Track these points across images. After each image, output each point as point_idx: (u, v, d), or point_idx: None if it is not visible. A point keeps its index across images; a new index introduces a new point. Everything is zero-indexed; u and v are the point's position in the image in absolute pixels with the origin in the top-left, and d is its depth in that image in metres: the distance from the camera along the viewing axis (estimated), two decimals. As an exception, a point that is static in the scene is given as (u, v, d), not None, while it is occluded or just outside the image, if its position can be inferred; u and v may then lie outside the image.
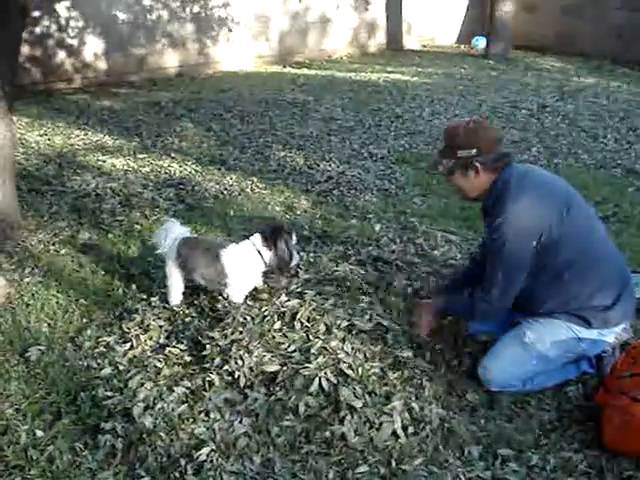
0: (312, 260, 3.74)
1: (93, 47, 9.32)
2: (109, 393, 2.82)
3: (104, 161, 5.95)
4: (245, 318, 3.05)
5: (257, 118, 7.57)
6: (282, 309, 3.06)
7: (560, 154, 6.35)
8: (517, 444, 2.61)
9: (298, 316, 3.00)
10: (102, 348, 3.15)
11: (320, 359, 2.78)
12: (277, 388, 2.75)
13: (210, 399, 2.72)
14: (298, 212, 4.94)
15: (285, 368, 2.79)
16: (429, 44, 13.47)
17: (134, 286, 3.72)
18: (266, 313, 3.06)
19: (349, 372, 2.74)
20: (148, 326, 3.23)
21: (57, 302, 3.62)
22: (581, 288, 2.78)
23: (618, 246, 3.08)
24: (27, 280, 3.84)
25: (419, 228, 4.55)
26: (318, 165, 5.91)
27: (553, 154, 6.34)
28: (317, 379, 2.70)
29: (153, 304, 3.44)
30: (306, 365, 2.77)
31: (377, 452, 2.50)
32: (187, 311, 3.38)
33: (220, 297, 3.32)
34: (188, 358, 2.99)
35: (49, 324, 3.42)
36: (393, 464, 2.46)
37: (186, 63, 10.28)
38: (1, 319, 3.44)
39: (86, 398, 2.81)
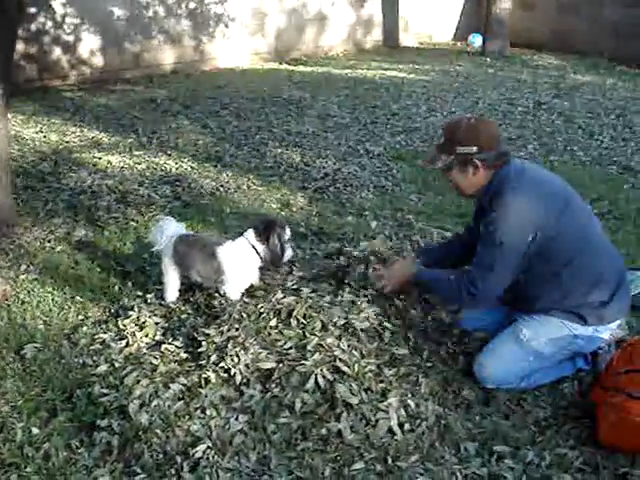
0: (308, 257, 3.74)
1: (89, 44, 9.30)
2: (105, 390, 2.81)
3: (100, 158, 5.94)
4: (241, 315, 3.05)
5: (253, 115, 7.56)
6: (278, 306, 3.05)
7: (556, 151, 6.36)
8: (513, 441, 2.62)
9: (294, 313, 3.00)
10: (98, 345, 3.15)
11: (316, 356, 2.78)
12: (273, 385, 2.74)
13: (206, 396, 2.72)
14: (294, 209, 4.94)
15: (281, 365, 2.79)
16: (426, 41, 13.47)
17: (130, 283, 3.72)
18: (262, 310, 3.05)
19: (345, 369, 2.74)
20: (144, 323, 3.23)
21: (53, 299, 3.62)
22: (577, 285, 2.79)
23: (614, 243, 3.08)
24: (23, 277, 3.83)
25: (415, 225, 4.55)
26: (314, 162, 5.91)
27: (549, 151, 6.35)
28: (313, 376, 2.70)
29: (149, 301, 3.44)
30: (302, 362, 2.76)
31: (373, 449, 2.50)
32: (183, 308, 3.38)
33: (216, 294, 3.32)
34: (184, 355, 2.99)
35: (45, 321, 3.42)
36: (389, 461, 2.46)
37: (182, 60, 10.26)
38: (-3, 316, 3.44)
39: (82, 395, 2.81)
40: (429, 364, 2.97)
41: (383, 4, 12.58)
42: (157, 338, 3.15)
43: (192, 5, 10.13)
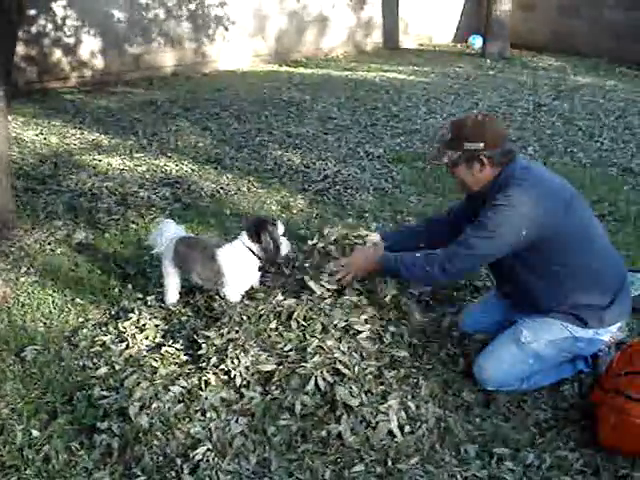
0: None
1: (89, 46, 9.30)
2: (105, 392, 2.81)
3: (100, 160, 5.94)
4: (241, 317, 3.05)
5: (253, 117, 7.57)
6: (278, 308, 3.05)
7: (556, 153, 6.35)
8: (513, 443, 2.62)
9: (294, 315, 3.00)
10: (98, 347, 3.15)
11: (316, 358, 2.78)
12: (273, 387, 2.75)
13: (206, 398, 2.72)
14: (294, 211, 4.94)
15: (281, 367, 2.79)
16: (426, 43, 13.45)
17: (130, 285, 3.72)
18: (262, 312, 3.05)
19: (345, 371, 2.74)
20: (144, 325, 3.23)
21: (53, 301, 3.62)
22: (577, 287, 2.79)
23: (614, 245, 3.08)
24: (23, 280, 3.83)
25: (415, 227, 4.54)
26: (314, 164, 5.91)
27: (549, 153, 6.34)
28: (313, 378, 2.70)
29: (149, 303, 3.45)
30: (302, 364, 2.76)
31: (373, 451, 2.51)
32: (183, 310, 3.39)
33: (216, 296, 3.32)
34: (184, 357, 2.99)
35: (45, 324, 3.42)
36: (389, 463, 2.46)
37: (182, 62, 10.26)
38: (-3, 319, 3.45)
39: (82, 398, 2.81)
40: (429, 366, 2.97)
41: (383, 6, 12.58)
42: (157, 340, 3.15)
43: (192, 7, 10.13)
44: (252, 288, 3.33)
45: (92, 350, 3.15)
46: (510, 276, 2.89)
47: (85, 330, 3.33)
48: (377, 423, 2.59)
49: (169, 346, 3.05)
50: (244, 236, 3.26)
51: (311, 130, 7.04)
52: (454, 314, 3.33)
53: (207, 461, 2.44)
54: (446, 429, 2.66)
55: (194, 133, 6.92)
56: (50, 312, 3.52)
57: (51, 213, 4.77)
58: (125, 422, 2.63)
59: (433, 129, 7.08)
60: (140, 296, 3.56)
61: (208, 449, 2.48)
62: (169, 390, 2.76)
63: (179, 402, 2.72)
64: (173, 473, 2.41)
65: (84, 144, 6.48)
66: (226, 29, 10.53)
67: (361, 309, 3.10)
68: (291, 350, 2.86)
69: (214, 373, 2.81)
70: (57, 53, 9.04)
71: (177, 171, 5.73)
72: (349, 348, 2.86)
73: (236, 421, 2.63)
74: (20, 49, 8.33)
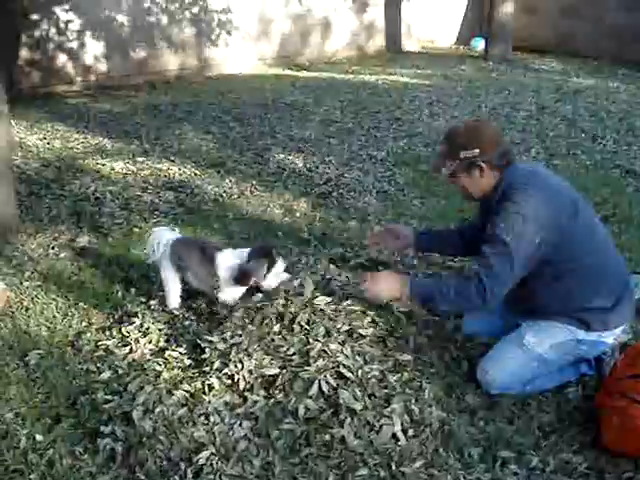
0: (312, 263, 3.74)
1: (92, 50, 9.33)
2: (109, 397, 2.81)
3: (103, 164, 5.95)
4: (244, 321, 3.05)
5: (256, 121, 7.58)
6: (281, 312, 3.05)
7: (559, 155, 6.35)
8: (517, 446, 2.61)
9: (297, 319, 2.99)
10: (101, 352, 3.16)
11: (320, 362, 2.78)
12: (277, 391, 2.74)
13: (210, 402, 2.72)
14: (297, 214, 4.94)
15: (284, 371, 2.79)
16: (428, 46, 13.47)
17: (133, 290, 3.72)
18: (265, 316, 3.06)
19: (349, 375, 2.73)
20: (147, 329, 3.23)
21: (56, 306, 3.62)
22: (581, 290, 2.78)
23: (617, 247, 3.08)
24: (26, 284, 3.84)
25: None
26: (317, 167, 5.92)
27: (552, 155, 6.34)
28: (317, 382, 2.70)
29: (152, 307, 3.45)
30: (306, 368, 2.76)
31: (377, 455, 2.50)
32: (186, 314, 3.38)
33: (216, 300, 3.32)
34: (187, 361, 2.99)
35: (48, 328, 3.42)
36: (393, 467, 2.45)
37: (186, 66, 10.28)
38: (0, 323, 3.44)
39: (86, 402, 2.81)
40: (433, 370, 2.96)
41: (386, 9, 12.60)
42: (161, 345, 3.15)
43: (195, 11, 10.15)
44: (252, 292, 3.31)
45: (96, 354, 3.15)
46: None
47: (88, 334, 3.33)
48: (381, 427, 2.58)
49: (172, 350, 3.05)
50: (246, 252, 3.23)
51: (314, 133, 7.04)
52: (457, 317, 3.33)
53: (211, 465, 2.43)
54: (450, 432, 2.65)
55: (197, 137, 6.93)
56: (54, 316, 3.52)
57: (54, 217, 4.77)
58: (129, 426, 2.63)
59: (436, 132, 7.08)
60: (143, 300, 3.56)
61: (212, 453, 2.48)
62: (173, 394, 2.76)
63: (182, 406, 2.72)
64: (177, 477, 2.41)
65: (87, 148, 6.50)
66: (229, 33, 10.56)
67: (364, 313, 3.10)
68: (294, 354, 2.86)
69: (217, 377, 2.81)
70: (60, 57, 9.07)
71: (180, 175, 5.74)
72: (352, 352, 2.85)
73: (239, 425, 2.62)
74: (24, 53, 8.37)
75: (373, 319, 3.07)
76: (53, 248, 4.30)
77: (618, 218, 4.82)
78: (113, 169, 5.83)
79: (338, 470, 2.45)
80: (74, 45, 9.13)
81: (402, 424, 2.60)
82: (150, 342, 3.16)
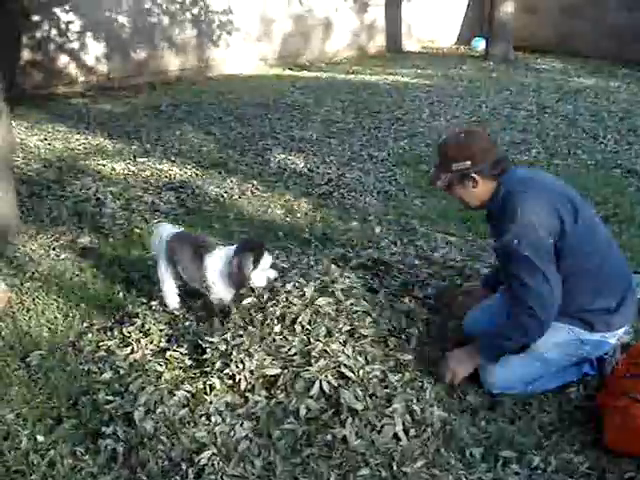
0: (313, 263, 3.73)
1: (93, 51, 9.33)
2: (110, 397, 2.81)
3: (104, 165, 5.95)
4: (245, 321, 3.05)
5: (257, 121, 7.58)
6: (282, 312, 3.05)
7: (560, 155, 6.35)
8: (519, 446, 2.61)
9: (299, 319, 2.99)
10: (103, 352, 3.15)
11: (321, 362, 2.78)
12: (278, 391, 2.74)
13: (211, 403, 2.72)
14: (298, 215, 4.94)
15: (286, 371, 2.79)
16: (429, 46, 13.47)
17: (134, 290, 3.73)
18: (266, 316, 3.05)
19: (350, 375, 2.74)
20: (148, 330, 3.23)
21: (57, 307, 3.62)
22: (584, 292, 2.77)
23: (618, 247, 3.07)
24: (27, 285, 3.84)
25: (419, 230, 4.56)
26: (318, 168, 5.92)
27: (553, 155, 6.34)
28: (318, 382, 2.70)
29: (153, 308, 3.44)
30: (307, 368, 2.76)
31: (378, 455, 2.50)
32: (187, 315, 3.38)
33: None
34: (189, 362, 2.99)
35: (50, 329, 3.42)
36: (394, 467, 2.45)
37: (187, 66, 10.28)
38: (2, 324, 3.45)
39: (87, 402, 2.81)
40: (434, 369, 2.96)
41: (386, 10, 12.60)
42: (162, 345, 3.15)
43: (196, 12, 10.15)
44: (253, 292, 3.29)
45: (97, 355, 3.15)
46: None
47: (90, 335, 3.33)
48: (382, 427, 2.58)
49: (173, 350, 3.05)
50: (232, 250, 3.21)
51: (315, 134, 7.04)
52: (458, 317, 3.32)
53: (212, 465, 2.43)
54: (451, 432, 2.65)
55: (198, 137, 6.93)
56: (55, 317, 3.52)
57: (55, 218, 4.78)
58: (130, 427, 2.63)
59: (437, 132, 7.08)
60: (144, 301, 3.56)
61: (213, 453, 2.48)
62: (174, 395, 2.77)
63: (184, 407, 2.72)
64: (178, 478, 2.41)
65: (88, 149, 6.50)
66: (229, 34, 10.55)
67: (366, 313, 3.10)
68: (296, 354, 2.86)
69: (219, 377, 2.81)
70: (62, 58, 9.06)
71: (181, 175, 5.74)
72: (354, 352, 2.85)
73: (241, 425, 2.62)
74: (25, 54, 8.37)
75: (374, 319, 3.08)
76: (54, 249, 4.30)
77: (619, 218, 4.81)
78: (114, 170, 5.83)
79: (339, 470, 2.45)
80: (75, 46, 9.13)
81: (403, 424, 2.60)
82: (151, 342, 3.15)
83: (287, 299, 3.13)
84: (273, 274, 3.24)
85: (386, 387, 2.75)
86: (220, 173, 5.83)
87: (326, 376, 2.71)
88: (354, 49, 12.42)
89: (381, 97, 8.84)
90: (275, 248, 4.14)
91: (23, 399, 2.87)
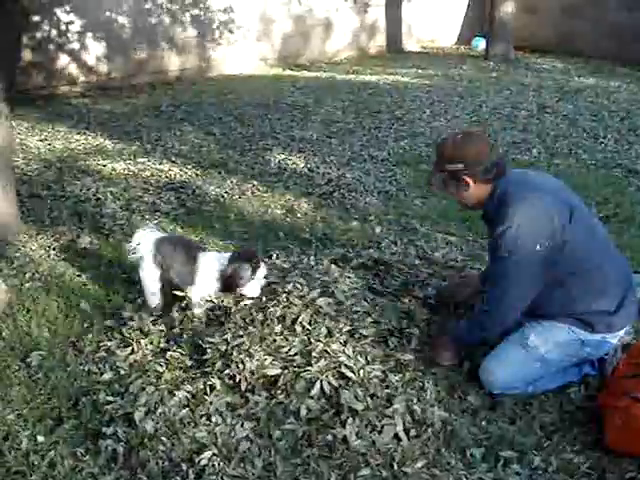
0: (313, 263, 3.73)
1: (94, 51, 9.32)
2: (110, 398, 2.81)
3: (104, 165, 5.95)
4: (245, 322, 3.05)
5: (257, 121, 7.57)
6: (283, 312, 3.05)
7: (560, 154, 6.34)
8: (519, 446, 2.61)
9: (299, 320, 2.99)
10: (103, 353, 3.16)
11: (321, 362, 2.78)
12: (278, 392, 2.74)
13: (211, 403, 2.72)
14: (299, 215, 4.94)
15: (286, 371, 2.79)
16: (429, 46, 13.46)
17: (134, 291, 3.72)
18: (267, 317, 3.05)
19: (350, 375, 2.73)
20: (149, 330, 3.23)
21: (58, 307, 3.62)
22: (584, 293, 2.77)
23: (619, 246, 3.08)
24: (28, 285, 3.84)
25: (420, 230, 4.55)
26: (318, 168, 5.91)
27: (553, 155, 6.33)
28: (318, 382, 2.70)
29: (154, 308, 3.44)
30: (307, 368, 2.76)
31: (379, 455, 2.50)
32: (187, 315, 3.37)
33: (218, 301, 3.30)
34: (189, 362, 2.99)
35: (50, 329, 3.42)
36: (395, 467, 2.45)
37: (187, 66, 10.27)
38: (2, 324, 3.44)
39: (87, 403, 2.81)
40: (434, 370, 2.96)
41: (387, 9, 12.59)
42: (162, 345, 3.14)
43: (196, 12, 10.15)
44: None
45: (97, 355, 3.15)
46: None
47: (90, 335, 3.33)
48: (383, 427, 2.58)
49: (174, 351, 3.04)
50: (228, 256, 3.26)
51: (315, 134, 7.04)
52: (459, 317, 3.32)
53: (212, 466, 2.43)
54: (452, 432, 2.65)
55: (198, 137, 6.93)
56: (55, 318, 3.52)
57: (56, 219, 4.77)
58: (130, 427, 2.63)
59: (437, 132, 7.08)
60: (145, 301, 3.56)
61: (213, 454, 2.48)
62: (174, 395, 2.76)
63: (184, 407, 2.72)
64: (178, 478, 2.41)
65: (88, 149, 6.50)
66: (231, 32, 10.53)
67: (366, 313, 3.10)
68: (296, 354, 2.86)
69: (219, 378, 2.81)
70: (62, 59, 9.05)
71: (181, 176, 5.74)
72: (354, 352, 2.85)
73: (241, 426, 2.62)
74: (26, 54, 8.36)
75: (375, 319, 3.07)
76: (54, 249, 4.30)
77: (620, 218, 4.81)
78: (114, 170, 5.83)
79: (340, 470, 2.45)
80: (75, 46, 9.12)
81: (404, 424, 2.60)
82: (151, 343, 3.15)
83: (287, 299, 3.13)
84: (265, 283, 3.27)
85: (386, 387, 2.75)
86: (220, 173, 5.82)
87: (326, 376, 2.71)
88: (354, 49, 12.41)
89: (381, 97, 8.84)
90: (275, 248, 4.14)
91: (23, 399, 2.87)
